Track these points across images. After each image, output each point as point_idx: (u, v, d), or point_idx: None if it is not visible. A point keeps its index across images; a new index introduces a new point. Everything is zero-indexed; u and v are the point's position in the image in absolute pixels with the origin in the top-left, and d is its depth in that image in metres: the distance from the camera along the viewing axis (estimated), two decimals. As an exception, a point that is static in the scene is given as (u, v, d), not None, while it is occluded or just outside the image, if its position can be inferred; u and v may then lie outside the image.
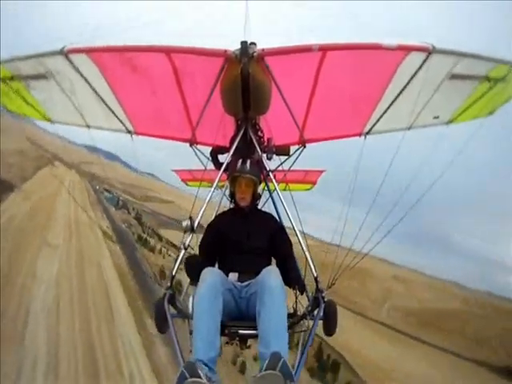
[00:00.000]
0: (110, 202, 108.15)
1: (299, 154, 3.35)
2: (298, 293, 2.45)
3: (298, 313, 2.43)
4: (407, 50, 2.46)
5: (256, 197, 2.81)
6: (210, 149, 3.46)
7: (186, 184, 6.94)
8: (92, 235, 62.54)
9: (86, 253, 53.95)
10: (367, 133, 3.71)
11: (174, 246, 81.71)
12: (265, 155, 3.15)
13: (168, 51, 2.55)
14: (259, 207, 3.40)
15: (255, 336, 2.10)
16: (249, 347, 2.57)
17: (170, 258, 69.36)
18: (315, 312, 2.36)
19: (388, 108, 3.22)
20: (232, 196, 2.92)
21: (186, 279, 2.61)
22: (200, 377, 1.65)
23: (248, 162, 2.77)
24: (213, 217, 3.07)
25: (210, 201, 2.89)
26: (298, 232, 2.74)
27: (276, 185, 3.02)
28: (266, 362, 1.70)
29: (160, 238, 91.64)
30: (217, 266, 2.69)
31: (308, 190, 6.98)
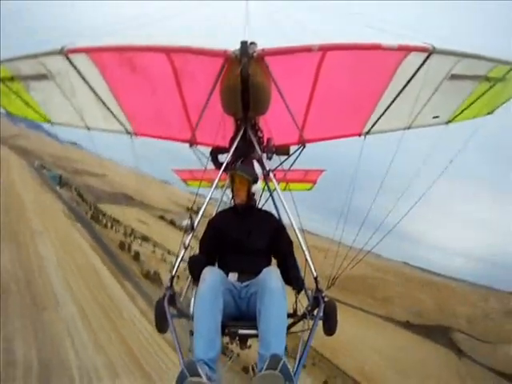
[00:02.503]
0: (53, 181, 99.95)
1: (299, 154, 3.36)
2: (297, 293, 2.45)
3: (298, 313, 2.43)
4: (407, 50, 2.45)
5: (252, 196, 2.79)
6: (209, 149, 3.46)
7: (186, 184, 6.93)
8: (58, 217, 63.27)
9: (64, 235, 55.14)
10: (367, 133, 3.72)
11: (117, 221, 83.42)
12: (265, 155, 3.15)
13: (168, 51, 2.55)
14: (259, 207, 3.40)
15: (255, 336, 2.10)
16: (249, 347, 2.58)
17: (119, 233, 74.08)
18: (315, 312, 2.36)
19: (388, 108, 3.23)
20: (233, 195, 2.92)
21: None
22: (200, 375, 1.65)
23: (240, 160, 2.78)
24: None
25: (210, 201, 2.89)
26: (297, 232, 2.74)
27: (276, 184, 3.02)
28: (267, 362, 1.70)
29: (103, 214, 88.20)
30: (216, 265, 2.69)
31: (308, 189, 6.98)
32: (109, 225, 79.23)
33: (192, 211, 2.93)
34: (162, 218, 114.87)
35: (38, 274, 37.37)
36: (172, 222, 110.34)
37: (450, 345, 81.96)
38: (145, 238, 78.79)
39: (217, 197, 3.28)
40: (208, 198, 2.87)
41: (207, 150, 3.36)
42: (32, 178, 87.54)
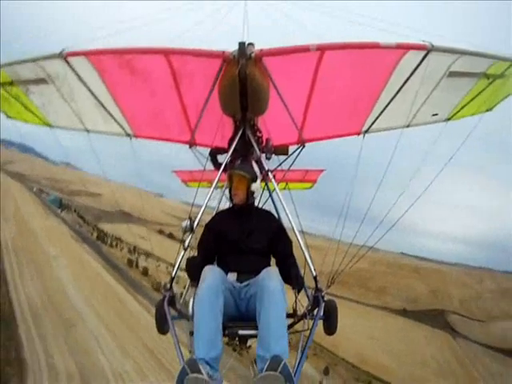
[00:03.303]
0: (54, 204, 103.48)
1: (298, 154, 3.35)
2: (297, 292, 2.45)
3: (298, 312, 2.43)
4: (405, 48, 2.45)
5: (250, 195, 2.79)
6: (208, 150, 3.46)
7: (186, 185, 6.94)
8: (67, 240, 68.84)
9: (76, 257, 60.60)
10: (366, 131, 3.71)
11: (119, 239, 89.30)
12: (263, 155, 3.15)
13: (166, 53, 2.56)
14: (259, 207, 3.40)
15: (255, 336, 2.10)
16: (249, 347, 2.57)
17: (124, 250, 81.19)
18: (315, 312, 2.35)
19: (386, 106, 3.22)
20: (231, 195, 2.91)
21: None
22: (201, 372, 1.65)
23: (239, 160, 2.77)
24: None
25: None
26: (297, 232, 2.73)
27: (275, 184, 3.02)
28: (267, 363, 1.70)
29: (105, 234, 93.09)
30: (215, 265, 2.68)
31: (308, 188, 6.99)
32: (114, 244, 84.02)
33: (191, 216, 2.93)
34: (160, 232, 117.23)
35: (60, 295, 42.17)
36: (171, 235, 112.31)
37: (445, 327, 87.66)
38: (148, 254, 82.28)
39: (213, 205, 3.27)
40: (208, 198, 2.87)
41: (206, 151, 3.37)
42: (34, 203, 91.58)
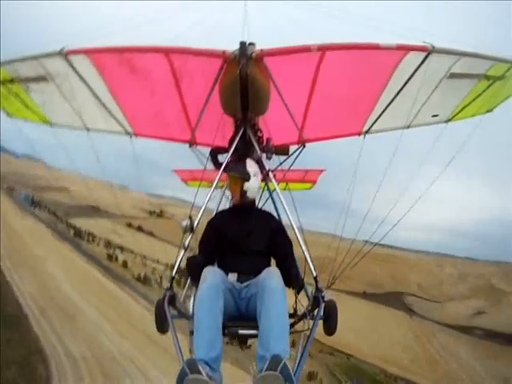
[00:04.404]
0: (26, 202, 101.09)
1: (299, 154, 3.35)
2: (297, 293, 2.45)
3: (298, 313, 2.43)
4: (406, 49, 2.45)
5: (243, 194, 2.77)
6: (209, 150, 3.46)
7: (186, 184, 6.93)
8: (48, 238, 72.79)
9: (61, 254, 65.16)
10: (366, 132, 3.72)
11: (92, 235, 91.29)
12: (264, 155, 3.15)
13: (167, 52, 2.55)
14: (259, 207, 3.40)
15: (255, 336, 2.10)
16: (249, 347, 2.57)
17: (100, 246, 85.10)
18: (315, 312, 2.35)
19: (387, 107, 3.23)
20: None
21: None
22: (201, 373, 1.65)
23: (244, 160, 2.78)
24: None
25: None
26: (297, 232, 2.74)
27: (276, 184, 3.02)
28: (267, 363, 1.70)
29: (80, 230, 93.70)
30: (216, 265, 2.68)
31: (308, 189, 7.00)
32: (90, 239, 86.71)
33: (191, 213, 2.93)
34: (129, 225, 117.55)
35: (57, 292, 46.88)
36: (140, 228, 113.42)
37: (403, 308, 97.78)
38: (121, 248, 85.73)
39: (211, 207, 3.26)
40: (208, 198, 2.87)
41: (207, 151, 3.37)
42: (9, 202, 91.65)
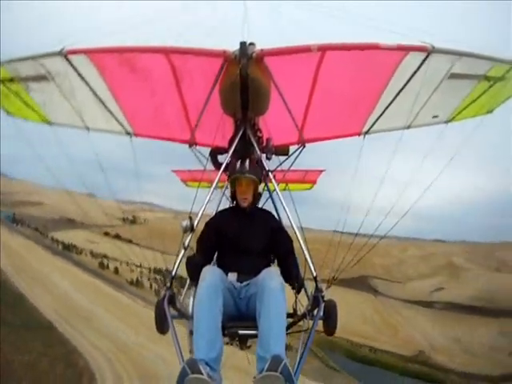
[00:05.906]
0: (8, 220, 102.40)
1: (298, 154, 3.35)
2: (297, 292, 2.45)
3: (298, 312, 2.43)
4: (406, 50, 2.45)
5: (257, 196, 2.80)
6: (209, 150, 3.46)
7: (186, 184, 6.92)
8: (43, 255, 78.61)
9: (62, 268, 71.68)
10: (366, 132, 3.72)
11: (74, 246, 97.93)
12: (264, 155, 3.15)
13: (167, 52, 2.55)
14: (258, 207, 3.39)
15: (255, 336, 2.10)
16: (249, 347, 2.57)
17: (88, 256, 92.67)
18: (315, 312, 2.35)
19: (387, 107, 3.23)
20: (233, 196, 2.91)
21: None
22: (201, 373, 1.65)
23: (247, 161, 2.76)
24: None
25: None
26: (297, 232, 2.73)
27: (276, 185, 3.01)
28: (268, 363, 1.70)
29: (68, 243, 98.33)
30: (216, 265, 2.67)
31: (308, 189, 6.99)
32: (79, 251, 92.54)
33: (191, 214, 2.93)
34: (106, 234, 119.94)
35: (70, 301, 53.57)
36: (118, 236, 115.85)
37: (369, 289, 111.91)
38: (106, 256, 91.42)
39: (209, 212, 3.27)
40: (207, 198, 2.86)
41: (207, 151, 3.36)
42: None
